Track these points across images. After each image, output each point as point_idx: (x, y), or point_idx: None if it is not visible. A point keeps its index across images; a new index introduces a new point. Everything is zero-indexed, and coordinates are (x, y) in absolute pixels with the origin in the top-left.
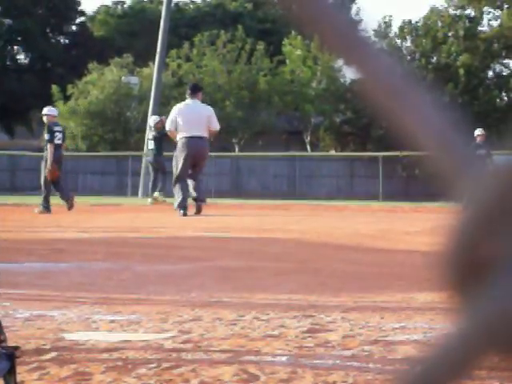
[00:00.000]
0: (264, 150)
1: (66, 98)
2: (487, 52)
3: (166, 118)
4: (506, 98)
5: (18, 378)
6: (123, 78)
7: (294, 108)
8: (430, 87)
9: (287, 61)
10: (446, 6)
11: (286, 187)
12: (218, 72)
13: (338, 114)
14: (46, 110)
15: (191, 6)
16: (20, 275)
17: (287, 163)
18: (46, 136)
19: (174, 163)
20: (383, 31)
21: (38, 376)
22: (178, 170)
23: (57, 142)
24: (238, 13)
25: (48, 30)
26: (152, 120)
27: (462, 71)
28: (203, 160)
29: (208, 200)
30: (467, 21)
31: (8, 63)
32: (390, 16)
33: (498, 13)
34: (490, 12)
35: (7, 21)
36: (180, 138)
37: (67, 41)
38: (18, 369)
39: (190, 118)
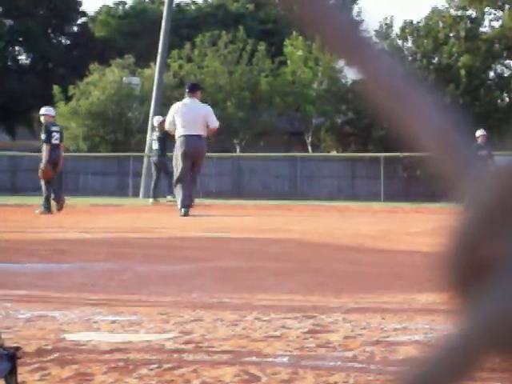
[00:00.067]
0: (265, 150)
1: (68, 99)
2: (488, 53)
3: None
4: (507, 99)
5: (20, 378)
6: (124, 78)
7: (296, 109)
8: (431, 88)
9: (288, 62)
10: (448, 6)
11: (287, 188)
12: (220, 73)
13: (340, 115)
14: (43, 110)
15: (193, 6)
16: (21, 276)
17: (288, 164)
18: (43, 136)
19: (173, 163)
20: (384, 32)
21: (40, 377)
22: (179, 170)
23: (54, 141)
24: (239, 13)
25: (49, 31)
26: (156, 120)
27: (463, 72)
28: (201, 158)
29: (209, 201)
30: (468, 21)
31: (9, 64)
32: (392, 17)
33: (499, 13)
34: (491, 13)
35: (8, 21)
36: (178, 136)
37: (68, 41)
38: (20, 369)
39: (188, 117)
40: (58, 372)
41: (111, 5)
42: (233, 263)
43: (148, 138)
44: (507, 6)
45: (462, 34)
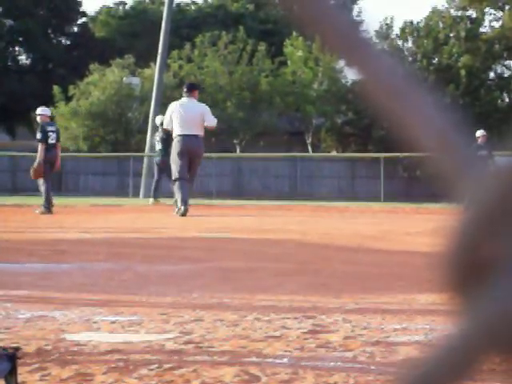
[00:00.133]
0: (265, 150)
1: (68, 99)
2: (488, 53)
3: None
4: (507, 99)
5: (19, 378)
6: (124, 78)
7: (296, 109)
8: (432, 88)
9: (288, 62)
10: (448, 6)
11: (287, 188)
12: (220, 73)
13: (340, 115)
14: (39, 110)
15: (193, 6)
16: (21, 276)
17: (288, 164)
18: (38, 135)
19: (171, 163)
20: (385, 32)
21: (40, 377)
22: (177, 169)
23: (50, 141)
24: (239, 14)
25: (49, 31)
26: (158, 120)
27: (463, 72)
28: (198, 158)
29: (209, 201)
30: (469, 22)
31: (9, 64)
32: (392, 17)
33: (499, 14)
34: (491, 13)
35: (8, 21)
36: (175, 136)
37: (69, 42)
38: (20, 369)
39: (185, 117)
40: (58, 372)
41: (111, 5)
42: (233, 263)
43: (148, 139)
44: (507, 7)
45: (462, 34)
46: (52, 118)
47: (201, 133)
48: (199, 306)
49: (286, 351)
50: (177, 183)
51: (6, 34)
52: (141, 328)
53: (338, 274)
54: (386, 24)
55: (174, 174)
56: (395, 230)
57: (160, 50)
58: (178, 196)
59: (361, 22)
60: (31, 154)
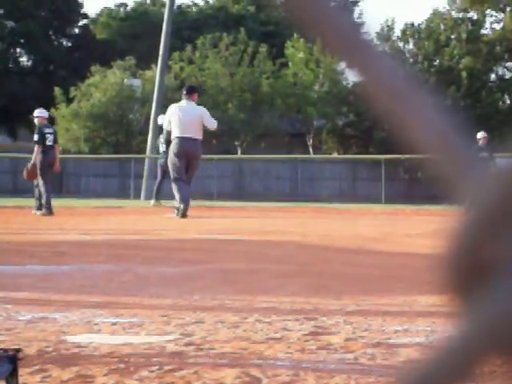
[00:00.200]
0: (266, 152)
1: (69, 101)
2: (490, 55)
3: None
4: (508, 101)
5: (20, 380)
6: (126, 80)
7: (297, 111)
8: (433, 90)
9: (290, 63)
10: (449, 8)
11: (288, 189)
12: (221, 75)
13: (341, 117)
14: (36, 112)
15: (194, 8)
16: (22, 277)
17: (289, 166)
18: (35, 137)
19: (168, 164)
20: (386, 34)
21: (40, 378)
22: (175, 170)
23: (48, 143)
24: (240, 15)
25: (51, 33)
26: (160, 118)
27: (464, 74)
28: (196, 160)
29: (210, 202)
30: (470, 24)
31: (10, 65)
32: (393, 19)
33: (500, 16)
34: (492, 15)
35: (10, 23)
36: (173, 138)
37: (70, 43)
38: (20, 371)
39: (184, 120)
40: (59, 374)
41: (112, 7)
42: (234, 265)
43: (149, 140)
44: (508, 9)
45: (464, 36)
46: (50, 119)
47: (199, 136)
48: (200, 308)
49: (286, 353)
50: (175, 184)
51: (7, 36)
52: (141, 330)
53: (338, 276)
54: (387, 26)
55: (172, 174)
56: (396, 231)
57: (161, 52)
58: (177, 196)
59: (362, 24)
60: (32, 155)
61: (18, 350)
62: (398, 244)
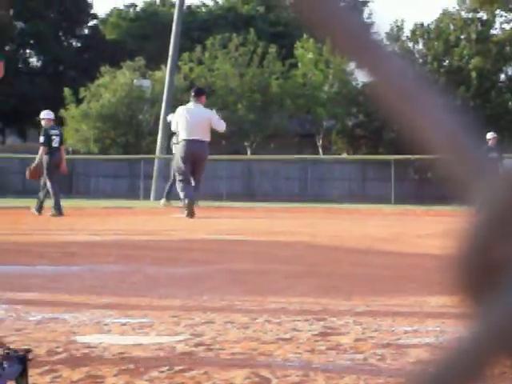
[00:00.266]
0: (276, 153)
1: (78, 101)
2: (499, 55)
3: None
4: None
5: (30, 380)
6: (135, 81)
7: (306, 111)
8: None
9: (299, 64)
10: (459, 8)
11: (297, 190)
12: (230, 75)
13: (350, 117)
14: (43, 114)
15: (203, 9)
16: (32, 278)
17: (299, 166)
18: (41, 139)
19: (175, 166)
20: (395, 34)
21: (50, 379)
22: (180, 172)
23: (54, 145)
24: (250, 16)
25: (60, 33)
26: (170, 117)
27: (474, 74)
28: (202, 161)
29: (219, 203)
30: (479, 24)
31: (20, 66)
32: (402, 19)
33: (510, 16)
34: (502, 15)
35: (19, 24)
36: (180, 140)
37: (79, 44)
38: (30, 372)
39: (191, 122)
40: (69, 374)
41: (122, 7)
42: (243, 266)
43: (159, 141)
44: None
45: (473, 36)
46: (59, 120)
47: (206, 138)
48: (210, 309)
49: (296, 353)
50: (180, 184)
51: (17, 37)
52: (151, 330)
53: (348, 277)
54: (397, 26)
55: (178, 175)
56: (406, 232)
57: (171, 53)
58: (181, 194)
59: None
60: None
61: (27, 351)
62: (408, 244)
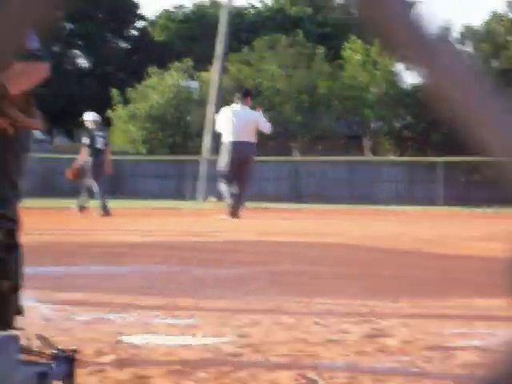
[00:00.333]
0: (323, 154)
1: (126, 102)
2: None
3: None
4: None
5: (78, 381)
6: (183, 82)
7: (354, 113)
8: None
9: (347, 65)
10: (507, 10)
11: (344, 192)
12: (278, 76)
13: (398, 119)
14: (87, 116)
15: (251, 10)
16: (80, 278)
17: (346, 168)
18: (85, 140)
19: (219, 166)
20: (443, 36)
21: (98, 379)
22: (224, 174)
23: (97, 146)
24: (298, 17)
25: (108, 35)
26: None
27: None
28: (248, 164)
29: (266, 204)
30: None
31: (68, 67)
32: (451, 21)
33: None
34: None
35: (68, 25)
36: (225, 141)
37: (128, 45)
38: (78, 372)
39: (237, 125)
40: (116, 374)
41: (171, 9)
42: (289, 267)
43: (206, 142)
44: None
45: None
46: (106, 121)
47: (252, 139)
48: (256, 310)
49: (343, 355)
50: (222, 184)
51: (65, 37)
52: (198, 331)
53: (395, 279)
54: (446, 28)
55: (221, 177)
56: (454, 234)
57: (218, 54)
58: (225, 194)
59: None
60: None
61: (75, 351)
62: (455, 247)
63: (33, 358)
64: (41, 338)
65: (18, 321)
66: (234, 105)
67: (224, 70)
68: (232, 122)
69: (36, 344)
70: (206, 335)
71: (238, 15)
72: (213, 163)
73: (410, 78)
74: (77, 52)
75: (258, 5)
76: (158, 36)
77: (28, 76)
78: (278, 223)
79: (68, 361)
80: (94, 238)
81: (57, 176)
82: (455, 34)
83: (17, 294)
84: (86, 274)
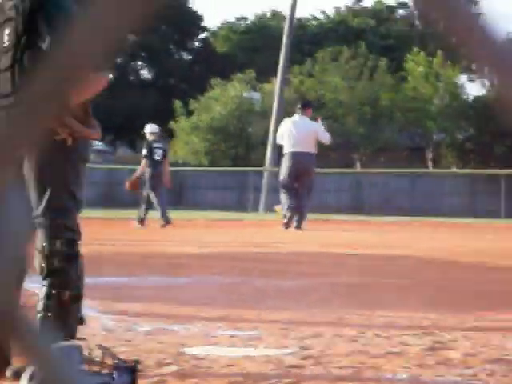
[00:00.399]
0: (385, 166)
1: (189, 114)
2: None
3: None
4: None
5: None
6: (245, 93)
7: (416, 124)
8: None
9: (409, 77)
10: None
11: (407, 204)
12: (340, 88)
13: (460, 131)
14: (147, 128)
15: (314, 22)
16: (142, 289)
17: (408, 180)
18: (144, 151)
19: (280, 177)
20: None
21: None
22: (284, 184)
23: (156, 158)
24: (360, 29)
25: (171, 46)
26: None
27: None
28: (307, 175)
29: (327, 216)
30: None
31: (132, 78)
32: None
33: None
34: None
35: (131, 37)
36: (285, 152)
37: (190, 57)
38: (140, 382)
39: (297, 136)
40: None
41: (233, 20)
42: (351, 279)
43: (268, 154)
44: None
45: None
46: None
47: (312, 150)
48: (318, 322)
49: (405, 368)
50: (283, 194)
51: (128, 49)
52: (260, 342)
53: (458, 291)
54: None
55: (282, 187)
56: None
57: (281, 65)
58: (284, 206)
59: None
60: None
61: (137, 362)
62: None
63: (95, 369)
64: (102, 348)
65: (80, 331)
66: (294, 116)
67: (286, 82)
68: (292, 133)
69: (98, 354)
70: (267, 347)
71: (300, 27)
72: (275, 175)
73: (473, 89)
74: (140, 64)
75: (321, 16)
76: (220, 47)
77: (88, 87)
78: (339, 235)
79: (130, 371)
80: (154, 248)
81: (119, 187)
82: None
83: (78, 305)
84: (147, 285)
